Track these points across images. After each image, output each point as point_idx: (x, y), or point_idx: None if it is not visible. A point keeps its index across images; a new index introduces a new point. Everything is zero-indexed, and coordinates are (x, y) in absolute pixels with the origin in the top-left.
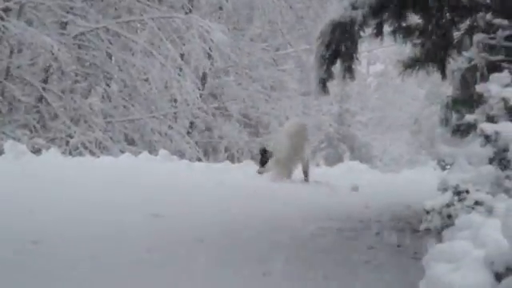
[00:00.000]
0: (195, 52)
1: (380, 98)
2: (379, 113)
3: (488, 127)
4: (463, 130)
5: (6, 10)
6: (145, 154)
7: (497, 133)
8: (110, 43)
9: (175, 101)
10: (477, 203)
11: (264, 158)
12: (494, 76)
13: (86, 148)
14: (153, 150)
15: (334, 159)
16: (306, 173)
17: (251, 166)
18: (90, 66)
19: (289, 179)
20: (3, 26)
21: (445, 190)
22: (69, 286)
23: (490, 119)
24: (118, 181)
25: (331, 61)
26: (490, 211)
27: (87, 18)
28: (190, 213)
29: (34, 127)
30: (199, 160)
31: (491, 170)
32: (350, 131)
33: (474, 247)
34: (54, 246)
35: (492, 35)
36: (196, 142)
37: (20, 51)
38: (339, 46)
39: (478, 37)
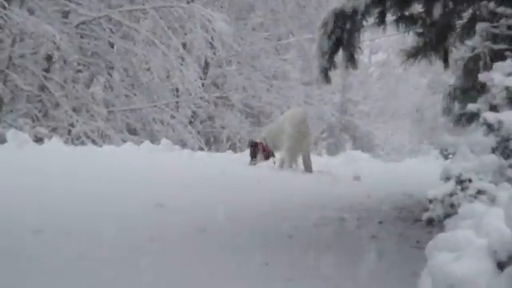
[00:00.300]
0: (197, 41)
1: (382, 87)
2: (381, 102)
3: (491, 116)
4: (466, 119)
5: None
6: (147, 144)
7: (500, 122)
8: (112, 32)
9: (177, 90)
10: (479, 192)
11: (254, 150)
12: (497, 65)
13: (88, 137)
14: (155, 140)
15: (335, 149)
16: (307, 163)
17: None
18: (91, 55)
19: (292, 168)
20: (5, 14)
21: (447, 179)
22: (71, 275)
23: (493, 108)
24: (120, 170)
25: (333, 50)
26: (492, 200)
27: (89, 7)
28: (192, 203)
29: (36, 116)
30: (201, 150)
31: (494, 159)
32: (352, 121)
33: (477, 236)
34: (56, 236)
35: (495, 24)
36: (198, 132)
37: (22, 40)
38: (342, 36)
39: (481, 25)
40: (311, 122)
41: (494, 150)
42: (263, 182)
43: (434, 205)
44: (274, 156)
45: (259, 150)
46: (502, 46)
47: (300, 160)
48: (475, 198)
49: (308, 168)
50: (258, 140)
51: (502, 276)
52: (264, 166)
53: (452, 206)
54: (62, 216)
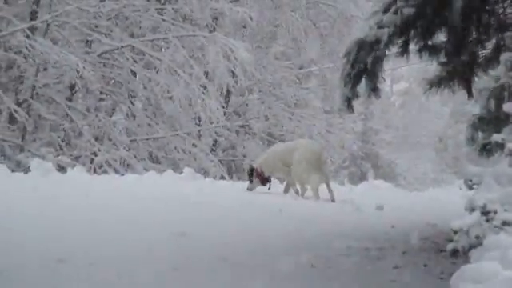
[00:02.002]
0: (219, 70)
1: (404, 116)
2: (403, 131)
3: None
4: (489, 150)
5: (32, 28)
6: (169, 172)
7: None
8: (135, 61)
9: (199, 119)
10: (505, 223)
11: (250, 174)
12: None
13: (110, 166)
14: (177, 168)
15: (358, 178)
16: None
17: (275, 185)
18: (114, 84)
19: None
20: (29, 44)
21: (472, 209)
22: None
23: None
24: (143, 199)
25: (357, 79)
26: None
27: (112, 37)
28: (214, 231)
29: (59, 145)
30: (223, 178)
31: None
32: (373, 149)
33: (503, 268)
34: (80, 265)
35: None
36: (220, 161)
37: (45, 69)
38: (365, 65)
39: (506, 56)
40: (333, 150)
41: None
42: (285, 210)
43: (459, 236)
44: (270, 181)
45: (254, 175)
46: None
47: (324, 188)
48: (501, 229)
49: (331, 197)
50: (255, 165)
51: None
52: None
53: (477, 237)
54: (84, 245)
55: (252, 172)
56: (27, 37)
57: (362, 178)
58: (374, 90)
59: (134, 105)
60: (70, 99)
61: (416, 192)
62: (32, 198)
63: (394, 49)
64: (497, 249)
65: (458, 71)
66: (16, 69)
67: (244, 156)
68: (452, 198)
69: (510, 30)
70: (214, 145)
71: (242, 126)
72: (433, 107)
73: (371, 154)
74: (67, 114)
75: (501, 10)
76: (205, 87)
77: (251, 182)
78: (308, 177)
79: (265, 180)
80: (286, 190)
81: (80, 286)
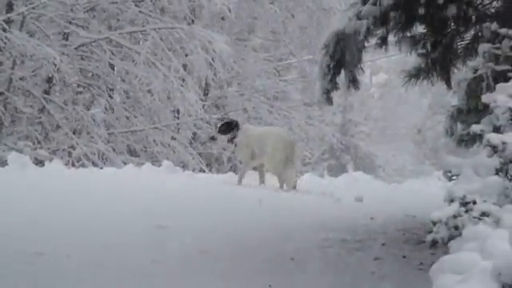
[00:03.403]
0: (198, 63)
1: (383, 108)
2: (382, 123)
3: (495, 137)
4: (468, 141)
5: (8, 21)
6: (148, 165)
7: (504, 143)
8: (113, 54)
9: (178, 112)
10: (484, 214)
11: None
12: (500, 86)
13: (88, 159)
14: (156, 161)
15: (337, 169)
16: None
17: (254, 177)
18: (92, 76)
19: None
20: (5, 37)
21: (451, 200)
22: None
23: (497, 129)
24: (122, 192)
25: (336, 71)
26: (497, 222)
27: (89, 29)
28: (193, 224)
29: (37, 139)
30: (202, 171)
31: (498, 180)
32: (353, 141)
33: (482, 258)
34: (58, 258)
35: (497, 45)
36: (199, 153)
37: (22, 62)
38: (343, 57)
39: (484, 47)
40: (313, 143)
41: (498, 172)
42: (265, 202)
43: (438, 227)
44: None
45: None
46: (505, 67)
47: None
48: (479, 219)
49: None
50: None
51: None
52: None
53: (456, 228)
54: (62, 238)
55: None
56: (3, 29)
57: (342, 170)
58: (353, 81)
59: (112, 98)
60: (47, 92)
61: (395, 184)
62: (9, 191)
63: (373, 40)
64: (476, 239)
65: (437, 62)
66: None
67: (223, 149)
68: (431, 190)
69: (488, 21)
70: (193, 138)
71: (221, 119)
72: (412, 99)
73: (350, 146)
74: (44, 108)
75: (479, 1)
76: (183, 80)
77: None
78: (285, 170)
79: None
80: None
81: (57, 279)
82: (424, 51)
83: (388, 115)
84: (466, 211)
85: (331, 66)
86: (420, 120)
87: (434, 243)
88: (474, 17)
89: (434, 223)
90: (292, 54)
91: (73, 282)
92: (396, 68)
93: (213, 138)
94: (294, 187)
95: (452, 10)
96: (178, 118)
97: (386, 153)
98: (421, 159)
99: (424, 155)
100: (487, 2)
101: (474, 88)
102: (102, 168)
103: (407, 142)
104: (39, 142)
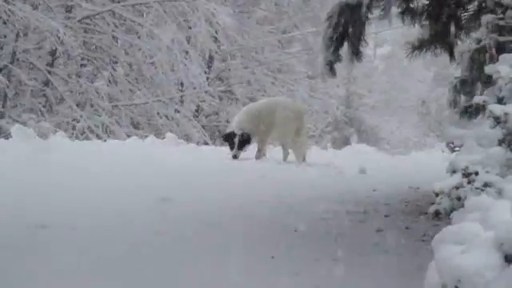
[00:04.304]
0: (201, 35)
1: (387, 80)
2: (386, 95)
3: (497, 108)
4: (472, 112)
5: None
6: (151, 138)
7: (506, 114)
8: (116, 27)
9: (181, 84)
10: (486, 185)
11: (234, 141)
12: (504, 57)
13: (92, 132)
14: (159, 134)
15: (341, 142)
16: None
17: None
18: (95, 49)
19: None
20: (9, 9)
21: (454, 172)
22: (78, 269)
23: (500, 100)
24: (125, 165)
25: (339, 43)
26: (499, 193)
27: (93, 2)
28: (198, 197)
29: (41, 111)
30: (206, 144)
31: (501, 151)
32: (357, 114)
33: (484, 229)
34: (60, 231)
35: (501, 16)
36: (203, 126)
37: (26, 35)
38: (347, 28)
39: (487, 17)
40: (316, 115)
41: (500, 143)
42: (268, 175)
43: (441, 198)
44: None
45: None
46: (508, 38)
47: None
48: (482, 190)
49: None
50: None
51: (509, 269)
52: (269, 159)
53: (459, 198)
54: (66, 211)
55: (233, 138)
56: (6, 2)
57: (346, 142)
58: (357, 53)
59: (115, 70)
60: (51, 65)
61: (399, 156)
62: (13, 163)
63: (377, 12)
64: (478, 210)
65: (440, 34)
66: None
67: (227, 122)
68: (434, 162)
69: None
70: (196, 110)
71: (225, 92)
72: (416, 71)
73: (354, 118)
74: (48, 80)
75: None
76: (187, 52)
77: (240, 148)
78: (294, 140)
79: (244, 143)
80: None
81: (60, 251)
82: (427, 23)
83: (392, 87)
84: (469, 182)
85: (334, 37)
86: (424, 92)
87: (436, 214)
88: None
89: (437, 194)
90: (296, 26)
91: (77, 254)
92: (401, 40)
93: (235, 157)
94: (304, 159)
95: None
96: (181, 91)
97: (391, 125)
98: (425, 131)
99: (428, 127)
100: None
101: (477, 59)
102: (105, 141)
103: (412, 115)
104: (43, 115)
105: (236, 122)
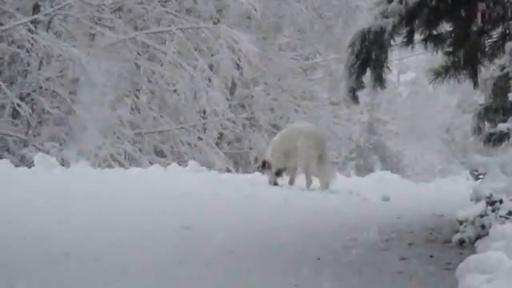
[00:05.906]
0: (224, 62)
1: (411, 106)
2: (410, 122)
3: None
4: (496, 139)
5: (35, 22)
6: (174, 166)
7: None
8: (139, 54)
9: (204, 112)
10: (510, 213)
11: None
12: None
13: (114, 160)
14: (182, 162)
15: (364, 169)
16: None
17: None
18: (118, 77)
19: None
20: (32, 38)
21: (478, 199)
22: None
23: None
24: (148, 192)
25: (361, 70)
26: None
27: (115, 30)
28: (219, 224)
29: (63, 139)
30: (229, 171)
31: None
32: (380, 141)
33: (508, 258)
34: (84, 259)
35: None
36: (225, 153)
37: (49, 63)
38: (369, 55)
39: (511, 44)
40: (340, 142)
41: None
42: (290, 202)
43: (465, 226)
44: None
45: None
46: None
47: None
48: (506, 218)
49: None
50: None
51: None
52: (291, 186)
53: (483, 227)
54: (89, 239)
55: (264, 165)
56: (30, 30)
57: (369, 169)
58: (379, 80)
59: (138, 98)
60: (73, 93)
61: (423, 183)
62: (36, 192)
63: (399, 39)
64: (502, 239)
65: (464, 61)
66: (19, 63)
67: (250, 148)
68: (459, 189)
69: None
70: (219, 138)
71: (248, 119)
72: (440, 97)
73: (378, 145)
74: (71, 108)
75: None
76: (209, 79)
77: (278, 174)
78: (316, 167)
79: (279, 171)
80: (292, 182)
81: (83, 280)
82: (450, 49)
83: (416, 114)
84: (493, 210)
85: (357, 64)
86: (448, 119)
87: (461, 242)
88: (501, 14)
89: (461, 222)
90: (318, 52)
91: (100, 283)
92: (424, 66)
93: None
94: (327, 186)
95: (479, 8)
96: (204, 118)
97: (415, 152)
98: (449, 158)
99: (453, 154)
100: None
101: (501, 86)
102: (127, 168)
103: (436, 141)
104: (66, 143)
105: (270, 150)
